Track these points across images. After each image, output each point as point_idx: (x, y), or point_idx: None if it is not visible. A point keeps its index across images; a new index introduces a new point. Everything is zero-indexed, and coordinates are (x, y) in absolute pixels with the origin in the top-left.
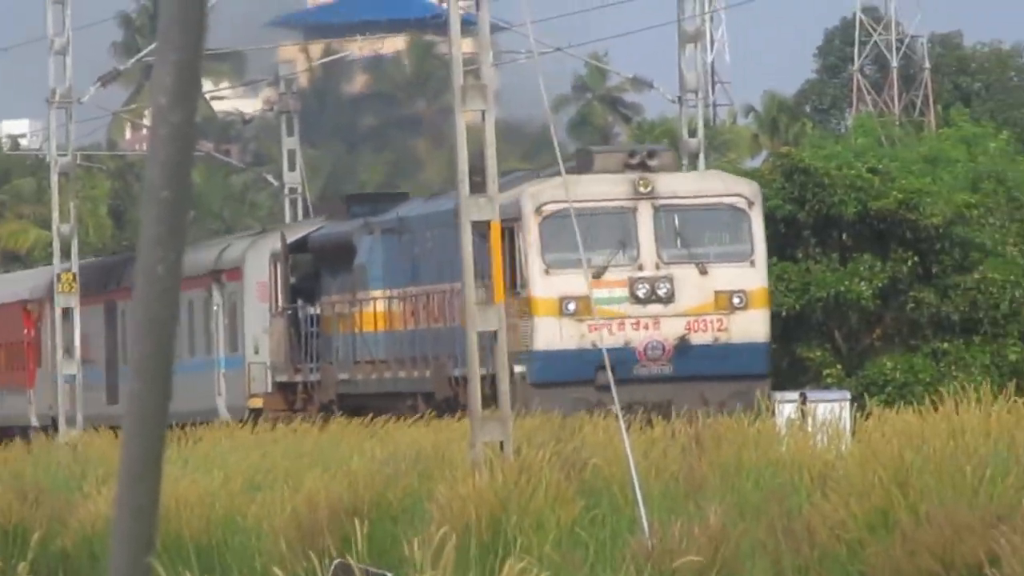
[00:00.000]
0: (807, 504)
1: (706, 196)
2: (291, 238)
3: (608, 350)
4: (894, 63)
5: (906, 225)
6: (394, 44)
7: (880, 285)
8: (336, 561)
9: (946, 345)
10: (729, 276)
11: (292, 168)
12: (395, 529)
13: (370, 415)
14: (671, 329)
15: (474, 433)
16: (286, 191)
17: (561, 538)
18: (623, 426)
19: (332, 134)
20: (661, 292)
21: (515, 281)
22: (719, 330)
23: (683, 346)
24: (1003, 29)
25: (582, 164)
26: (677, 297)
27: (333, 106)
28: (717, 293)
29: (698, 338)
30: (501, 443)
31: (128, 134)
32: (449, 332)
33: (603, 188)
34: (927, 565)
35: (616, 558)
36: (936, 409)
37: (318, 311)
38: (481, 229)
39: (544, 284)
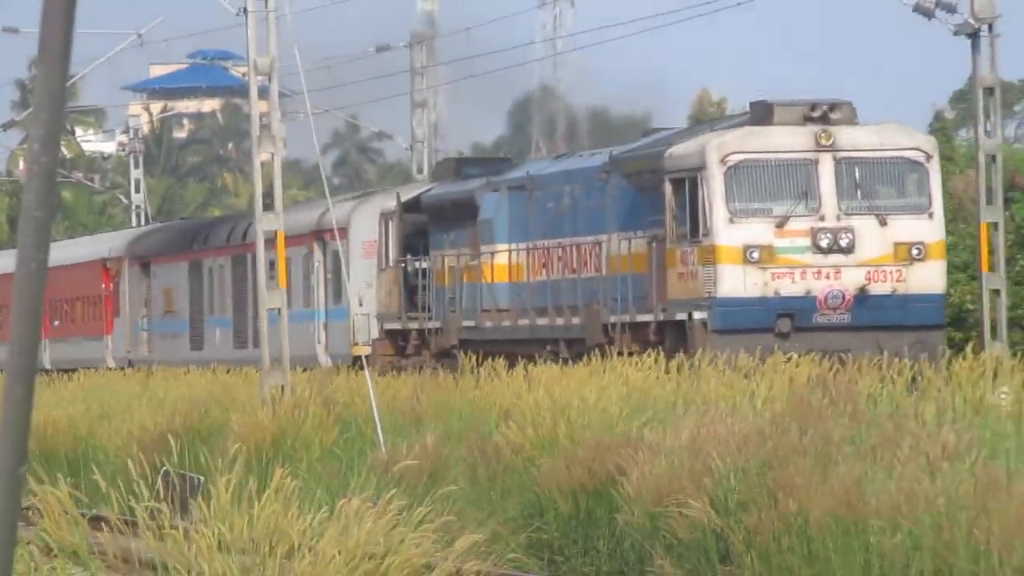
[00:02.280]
0: (496, 431)
1: (886, 149)
2: (404, 198)
3: (789, 298)
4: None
5: None
6: (212, 104)
7: None
8: (163, 468)
9: None
10: (908, 228)
11: (137, 191)
12: (204, 448)
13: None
14: (851, 279)
15: (263, 378)
16: (133, 207)
17: (323, 454)
18: (368, 375)
19: (166, 168)
20: (843, 242)
21: (696, 229)
22: (898, 280)
23: (862, 296)
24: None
25: (760, 116)
26: (858, 247)
27: (167, 148)
28: (896, 244)
29: (877, 288)
30: (283, 387)
31: (21, 165)
32: (599, 281)
33: (785, 140)
34: (578, 475)
35: (361, 467)
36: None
37: (433, 264)
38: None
39: (728, 232)
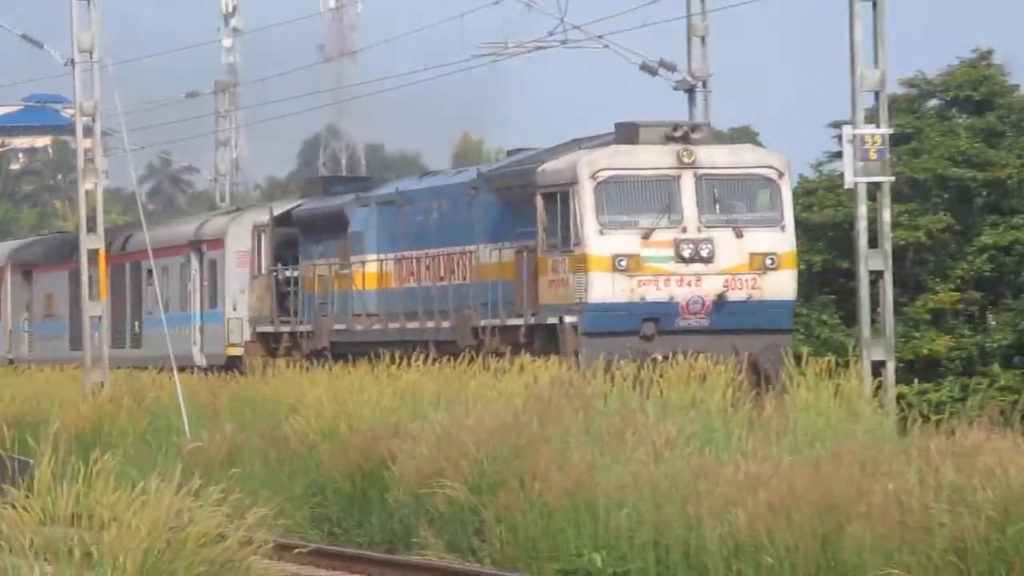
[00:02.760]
0: (284, 422)
1: (741, 167)
2: (276, 212)
3: (654, 303)
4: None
5: None
6: (44, 140)
7: None
8: None
9: None
10: (762, 239)
11: None
12: (30, 435)
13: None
14: (711, 286)
15: (87, 375)
16: None
17: (136, 440)
18: (176, 372)
19: (3, 194)
20: (703, 252)
21: (568, 240)
22: (752, 288)
23: (721, 302)
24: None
25: (626, 136)
26: (716, 257)
27: (4, 177)
28: (752, 255)
29: (734, 295)
30: (102, 383)
31: None
32: (469, 288)
33: (650, 157)
34: (355, 459)
35: (170, 451)
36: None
37: (303, 272)
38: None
39: (599, 242)
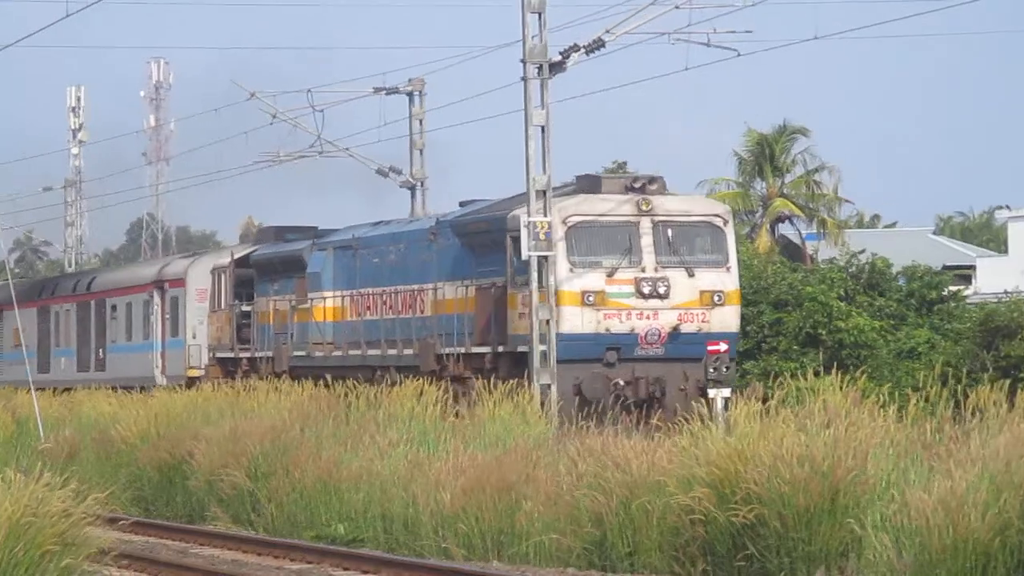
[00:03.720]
0: (111, 428)
1: (692, 215)
2: (236, 256)
3: (617, 334)
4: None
5: None
6: None
7: None
8: None
9: None
10: (711, 279)
11: None
12: None
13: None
14: (666, 319)
15: None
16: None
17: (4, 441)
18: (34, 391)
19: None
20: (660, 290)
21: (542, 278)
22: (703, 321)
23: (675, 333)
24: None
25: (588, 186)
26: (672, 294)
27: None
28: (702, 292)
29: (686, 327)
30: None
31: None
32: (432, 320)
33: (612, 206)
34: (163, 456)
35: (29, 452)
36: None
37: (258, 307)
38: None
39: (569, 280)
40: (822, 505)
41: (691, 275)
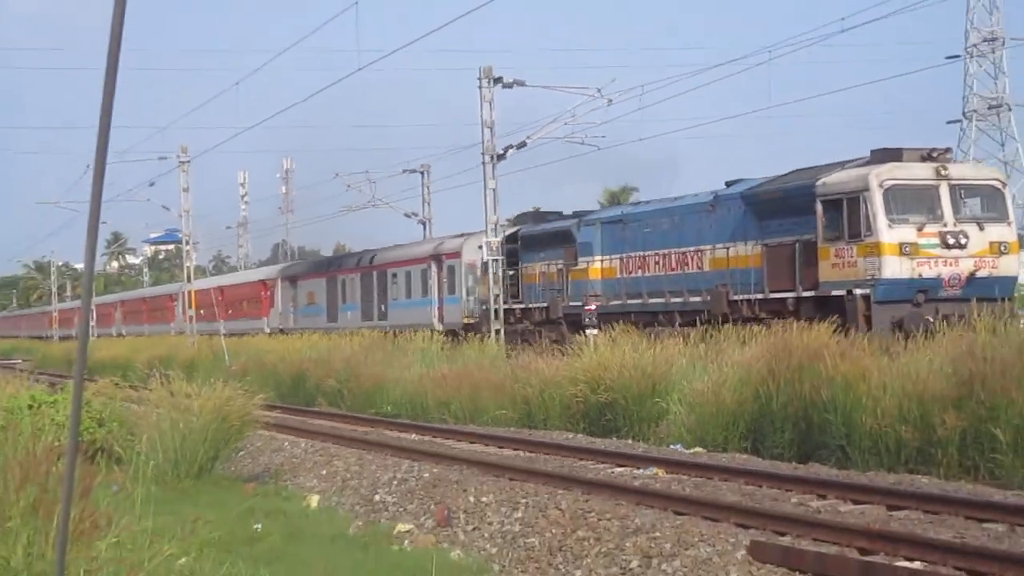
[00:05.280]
0: (265, 356)
1: (979, 179)
2: (507, 234)
3: (926, 279)
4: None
5: None
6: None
7: None
8: None
9: None
10: (997, 232)
11: None
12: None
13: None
14: (965, 266)
15: (189, 340)
16: None
17: (207, 364)
18: (223, 336)
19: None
20: (961, 241)
21: (856, 232)
22: (992, 267)
23: (971, 278)
24: None
25: (885, 157)
26: (969, 245)
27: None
28: (991, 243)
29: (980, 272)
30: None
31: None
32: (719, 273)
33: (916, 172)
34: (294, 371)
35: (222, 371)
36: None
37: (524, 271)
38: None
39: (889, 233)
40: (647, 391)
41: (981, 229)
